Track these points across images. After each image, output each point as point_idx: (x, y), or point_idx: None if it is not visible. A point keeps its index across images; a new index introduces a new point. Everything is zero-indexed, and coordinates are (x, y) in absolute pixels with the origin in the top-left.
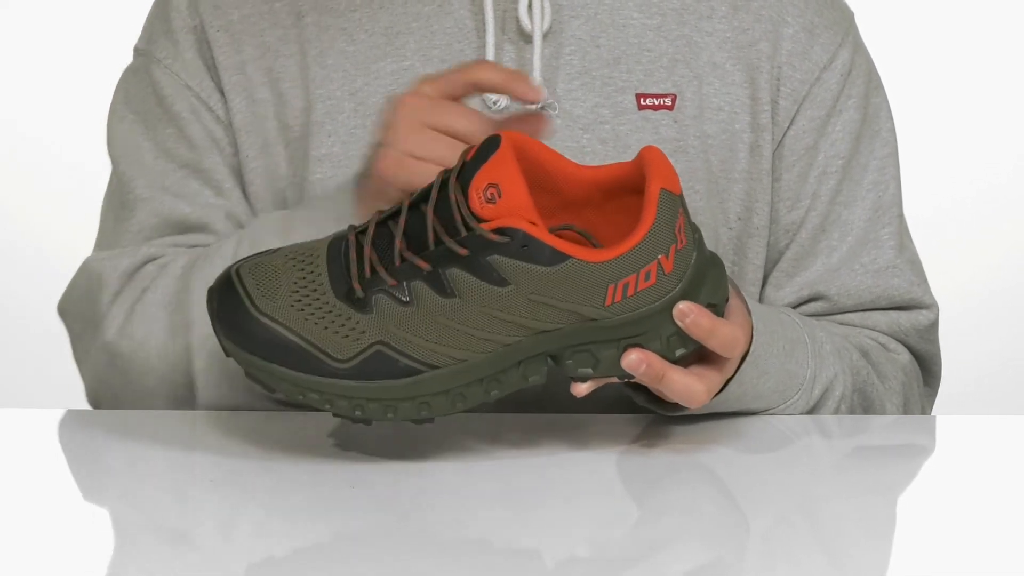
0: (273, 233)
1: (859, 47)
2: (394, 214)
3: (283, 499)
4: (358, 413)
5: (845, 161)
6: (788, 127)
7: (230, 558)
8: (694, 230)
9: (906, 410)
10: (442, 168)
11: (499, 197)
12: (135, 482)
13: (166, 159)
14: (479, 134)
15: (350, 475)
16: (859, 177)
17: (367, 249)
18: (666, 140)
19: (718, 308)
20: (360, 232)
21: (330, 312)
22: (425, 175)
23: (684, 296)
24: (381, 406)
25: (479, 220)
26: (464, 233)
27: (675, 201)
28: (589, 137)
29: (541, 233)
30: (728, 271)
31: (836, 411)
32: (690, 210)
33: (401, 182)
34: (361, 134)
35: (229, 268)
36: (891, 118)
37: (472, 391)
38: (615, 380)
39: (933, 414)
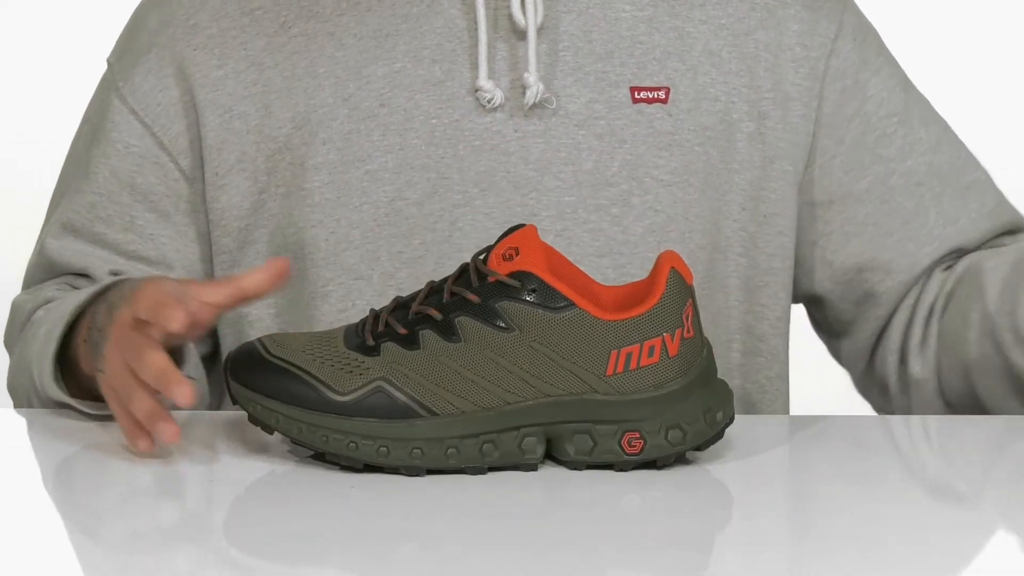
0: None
1: (856, 8)
2: (414, 296)
3: (283, 499)
4: (352, 447)
5: (900, 117)
6: (819, 104)
7: (229, 557)
8: (705, 341)
9: None
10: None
11: (516, 256)
12: (136, 481)
13: (86, 182)
14: (160, 377)
15: (350, 475)
16: (928, 120)
17: (384, 315)
18: (660, 134)
19: (717, 418)
20: (380, 309)
21: (340, 357)
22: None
23: (687, 392)
24: (375, 445)
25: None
26: (477, 283)
27: (685, 285)
28: (584, 133)
29: (553, 280)
30: (735, 263)
31: None
32: (686, 203)
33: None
34: (356, 139)
35: (253, 340)
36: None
37: (466, 446)
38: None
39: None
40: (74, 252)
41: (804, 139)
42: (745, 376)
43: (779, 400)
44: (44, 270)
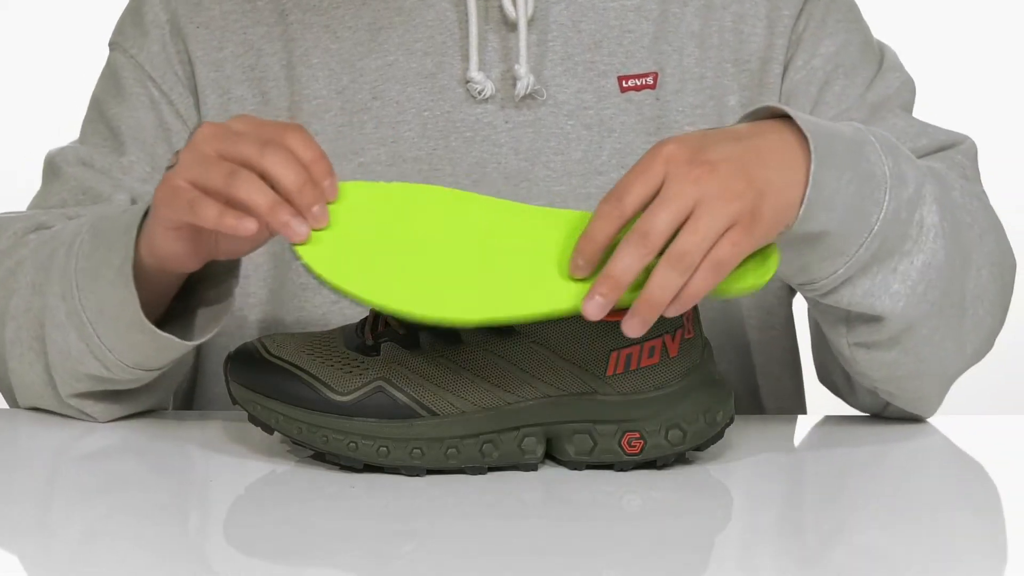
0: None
1: None
2: None
3: (283, 499)
4: (352, 447)
5: (845, 70)
6: (788, 63)
7: (229, 557)
8: (705, 341)
9: (996, 238)
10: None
11: None
12: (135, 481)
13: (105, 129)
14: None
15: (350, 475)
16: (878, 91)
17: (384, 315)
18: (649, 120)
19: (717, 418)
20: (379, 312)
21: (340, 357)
22: (200, 207)
23: (687, 392)
24: (375, 445)
25: None
26: None
27: None
28: (573, 123)
29: None
30: None
31: (940, 218)
32: None
33: (177, 209)
34: (348, 132)
35: (252, 340)
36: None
37: (467, 446)
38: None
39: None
40: (91, 175)
41: (778, 98)
42: (764, 353)
43: (796, 374)
44: (72, 196)
